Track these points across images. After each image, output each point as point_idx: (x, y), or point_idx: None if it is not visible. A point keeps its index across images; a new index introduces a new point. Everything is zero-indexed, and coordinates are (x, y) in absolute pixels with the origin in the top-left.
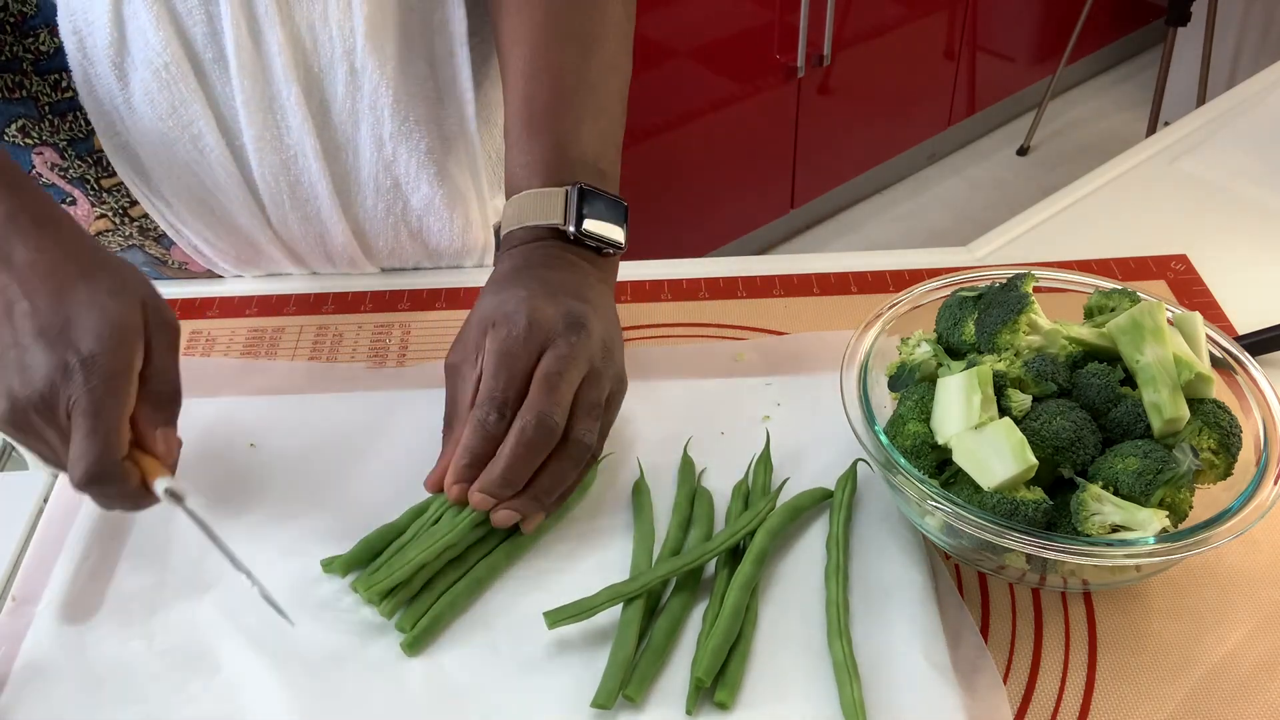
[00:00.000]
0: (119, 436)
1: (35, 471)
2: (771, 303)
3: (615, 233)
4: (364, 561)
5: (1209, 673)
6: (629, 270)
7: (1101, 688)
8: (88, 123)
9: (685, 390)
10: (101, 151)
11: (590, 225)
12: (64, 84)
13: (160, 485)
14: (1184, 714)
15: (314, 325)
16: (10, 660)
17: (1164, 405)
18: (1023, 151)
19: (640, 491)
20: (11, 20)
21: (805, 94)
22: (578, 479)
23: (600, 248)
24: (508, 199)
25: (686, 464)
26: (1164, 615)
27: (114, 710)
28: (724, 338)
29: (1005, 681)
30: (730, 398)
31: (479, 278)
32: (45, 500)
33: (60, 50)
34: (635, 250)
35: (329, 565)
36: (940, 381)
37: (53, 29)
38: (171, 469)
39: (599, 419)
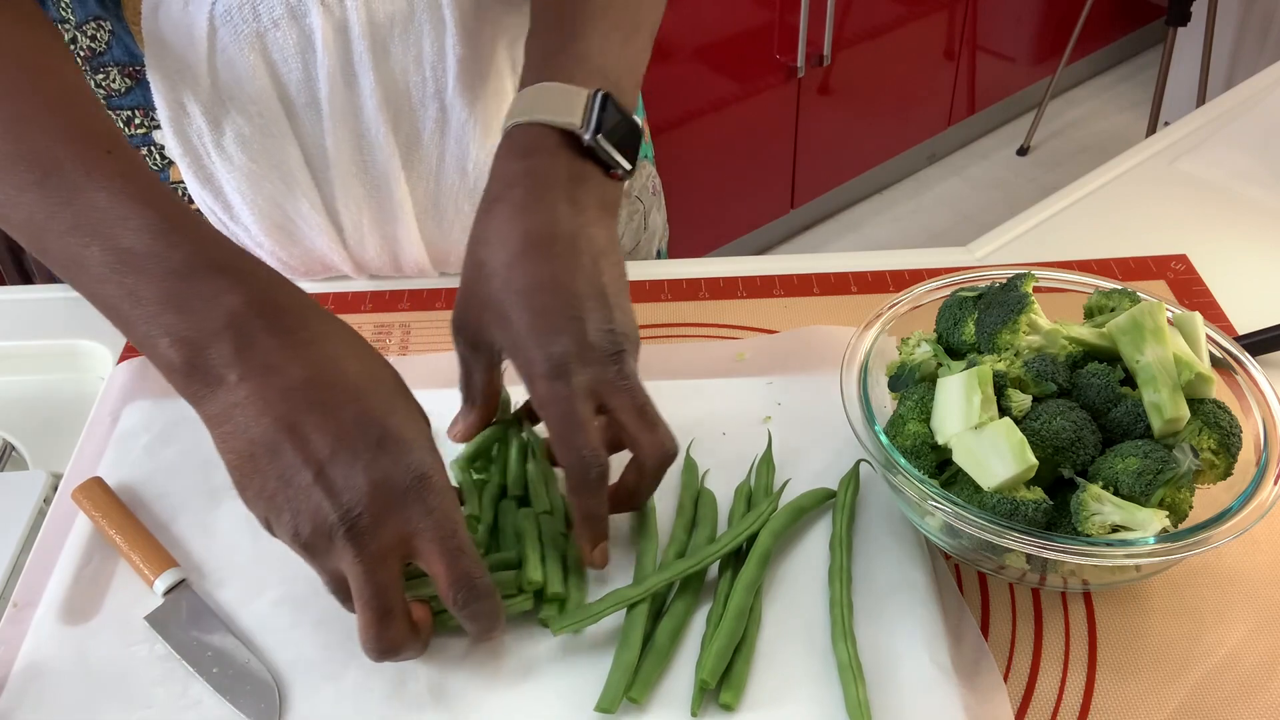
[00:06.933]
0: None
1: (35, 471)
2: (771, 303)
3: (627, 155)
4: None
5: (1209, 673)
6: (630, 270)
7: (1101, 687)
8: (163, 157)
9: (686, 391)
10: (180, 183)
11: (604, 140)
12: (137, 120)
13: None
14: (1184, 714)
15: None
16: (10, 663)
17: (1164, 405)
18: (1023, 151)
19: None
20: (82, 54)
21: (805, 94)
22: None
23: (608, 166)
24: (519, 90)
25: (689, 466)
26: (1164, 615)
27: (115, 714)
28: (724, 338)
29: (1005, 681)
30: (731, 398)
31: None
32: (45, 501)
33: (132, 89)
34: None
35: None
36: (940, 381)
37: (123, 69)
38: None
39: (660, 420)
